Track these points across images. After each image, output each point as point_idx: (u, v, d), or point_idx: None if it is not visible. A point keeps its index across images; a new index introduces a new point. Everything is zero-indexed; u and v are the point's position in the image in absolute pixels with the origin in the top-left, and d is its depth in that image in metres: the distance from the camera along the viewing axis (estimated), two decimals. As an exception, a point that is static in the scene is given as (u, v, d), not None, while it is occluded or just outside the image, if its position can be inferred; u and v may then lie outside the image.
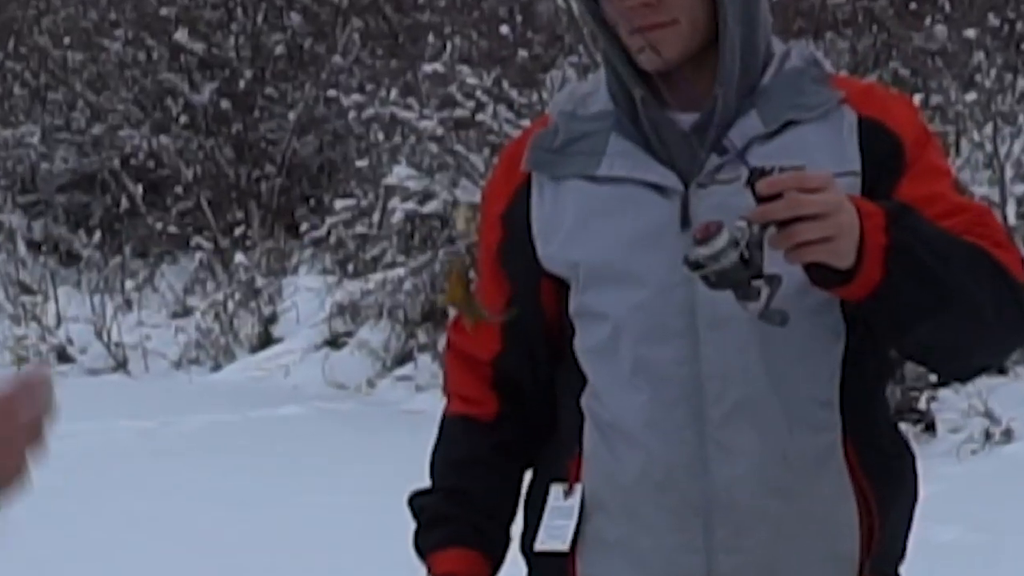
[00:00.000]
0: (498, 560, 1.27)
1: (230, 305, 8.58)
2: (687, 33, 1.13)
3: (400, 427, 6.77)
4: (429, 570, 1.24)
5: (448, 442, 1.30)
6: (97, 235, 9.53)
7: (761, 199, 0.96)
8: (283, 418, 7.37)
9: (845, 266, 0.99)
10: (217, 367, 8.37)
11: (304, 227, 8.93)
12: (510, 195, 1.27)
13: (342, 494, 5.93)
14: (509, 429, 1.27)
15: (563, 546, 1.24)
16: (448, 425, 1.31)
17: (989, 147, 6.20)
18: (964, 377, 2.22)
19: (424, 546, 1.28)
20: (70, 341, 8.68)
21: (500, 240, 1.28)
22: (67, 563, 5.37)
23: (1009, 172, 6.09)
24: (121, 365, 8.51)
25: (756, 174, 0.97)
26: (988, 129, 6.21)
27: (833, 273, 1.00)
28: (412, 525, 1.40)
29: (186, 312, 8.87)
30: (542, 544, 1.25)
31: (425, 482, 1.60)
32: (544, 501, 1.27)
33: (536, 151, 1.26)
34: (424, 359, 7.67)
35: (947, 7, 7.11)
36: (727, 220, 1.00)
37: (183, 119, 9.57)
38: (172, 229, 9.38)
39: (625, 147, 1.21)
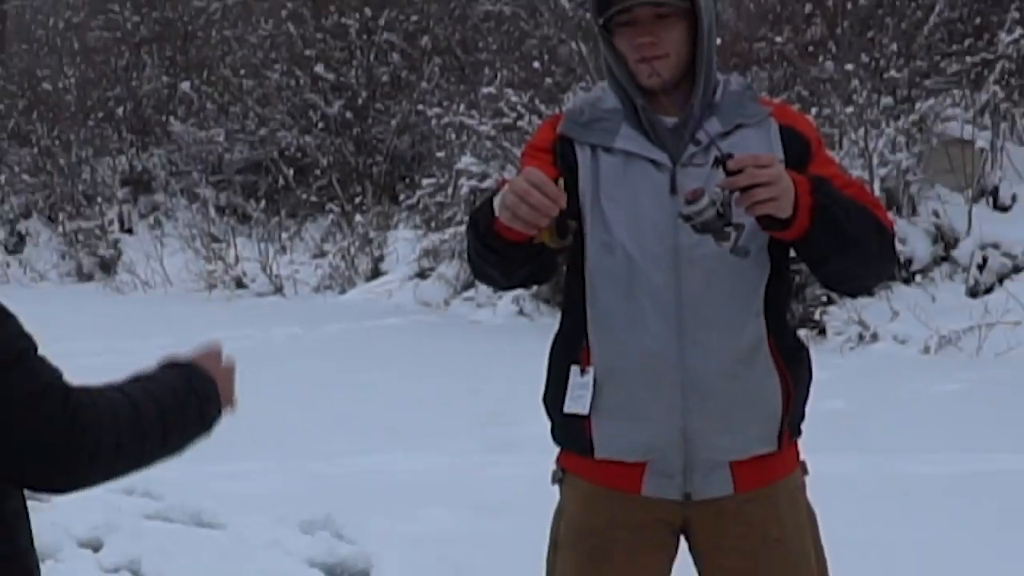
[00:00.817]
0: None
1: (352, 250, 9.62)
2: (675, 64, 1.27)
3: (467, 333, 8.02)
4: (493, 223, 1.20)
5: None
6: (263, 203, 10.70)
7: (729, 173, 1.10)
8: (387, 326, 8.33)
9: (785, 216, 1.13)
10: (343, 291, 9.42)
11: (401, 198, 10.11)
12: (551, 141, 1.38)
13: (427, 378, 6.77)
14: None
15: (584, 411, 1.33)
16: None
17: (862, 144, 6.88)
18: (856, 294, 2.30)
19: (481, 213, 1.28)
20: (244, 273, 9.73)
21: (549, 153, 1.37)
22: (236, 434, 7.42)
23: (875, 161, 6.84)
24: (279, 290, 9.59)
25: (724, 156, 1.11)
26: (861, 132, 6.91)
27: (776, 222, 1.14)
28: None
29: (322, 254, 9.98)
30: (568, 408, 1.35)
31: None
32: (567, 378, 1.36)
33: (568, 122, 1.38)
34: (483, 286, 8.06)
35: (834, 49, 7.70)
36: (706, 187, 1.13)
37: (320, 125, 10.89)
38: (313, 199, 10.49)
39: (632, 133, 1.32)
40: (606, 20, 1.33)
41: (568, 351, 1.39)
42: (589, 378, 1.38)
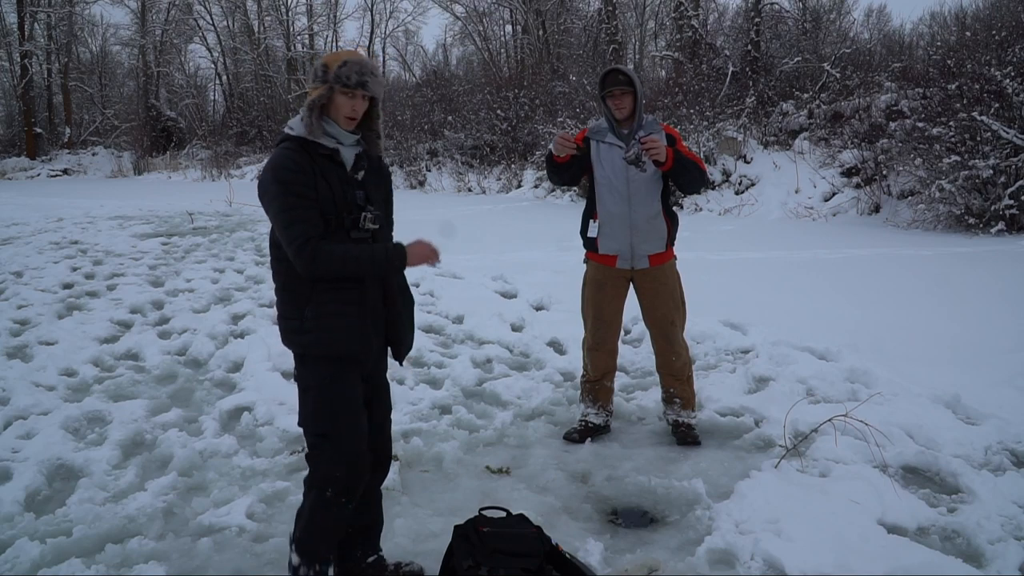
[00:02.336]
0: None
1: (510, 177, 18.64)
2: (630, 109, 3.60)
3: (552, 207, 15.13)
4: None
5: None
6: (477, 161, 20.19)
7: (644, 144, 3.40)
8: (522, 205, 15.80)
9: (663, 161, 3.46)
10: (508, 192, 18.08)
11: (528, 159, 18.51)
12: (584, 137, 3.69)
13: (535, 221, 13.58)
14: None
15: (595, 235, 3.73)
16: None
17: (698, 140, 14.69)
18: (693, 194, 4.50)
19: (549, 153, 3.52)
20: (474, 186, 19.02)
21: (583, 144, 3.64)
22: (470, 243, 10.94)
23: (702, 147, 14.51)
24: (483, 192, 18.55)
25: (643, 138, 3.42)
26: (696, 136, 14.77)
27: (660, 164, 3.48)
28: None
29: (498, 179, 18.99)
30: (589, 234, 3.79)
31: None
32: (587, 223, 3.79)
33: (590, 131, 3.73)
34: (558, 190, 16.17)
35: (685, 107, 15.52)
36: (633, 150, 3.47)
37: (499, 132, 19.73)
38: (499, 165, 19.45)
39: (611, 136, 3.65)
40: (603, 94, 3.50)
41: (588, 212, 3.63)
42: (596, 223, 3.66)
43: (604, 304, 3.89)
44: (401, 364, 2.82)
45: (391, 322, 2.65)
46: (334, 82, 2.43)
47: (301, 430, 2.52)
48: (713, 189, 14.82)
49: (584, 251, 3.91)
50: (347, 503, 2.56)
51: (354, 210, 2.47)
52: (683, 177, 3.62)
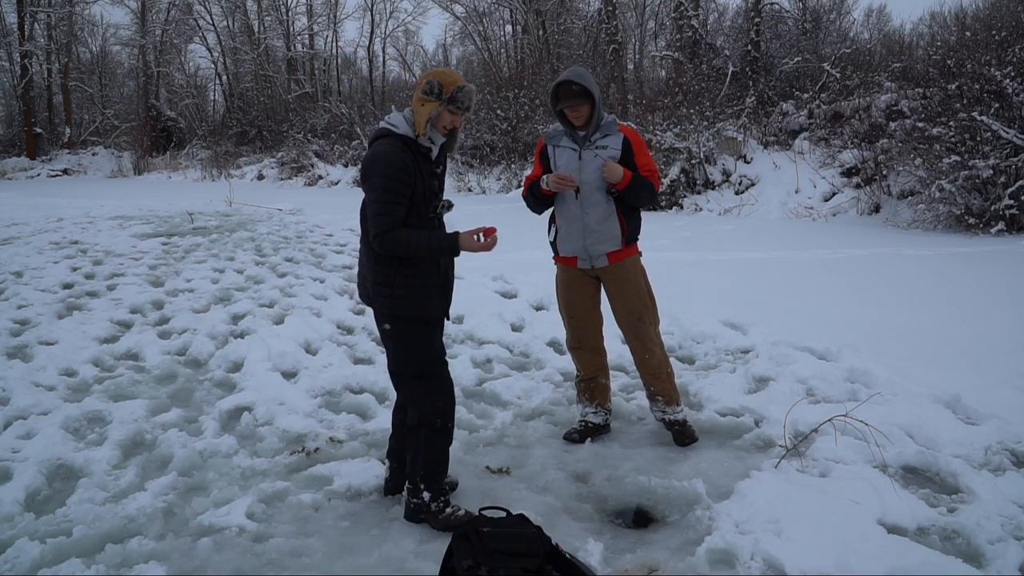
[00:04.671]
0: None
1: (508, 176, 18.34)
2: (587, 116, 3.66)
3: None
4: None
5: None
6: (477, 160, 20.23)
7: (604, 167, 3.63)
8: (521, 204, 16.92)
9: (617, 183, 3.63)
10: (507, 192, 17.73)
11: (528, 160, 18.34)
12: (542, 148, 3.85)
13: (529, 223, 15.93)
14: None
15: (552, 239, 3.88)
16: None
17: (697, 140, 14.80)
18: (642, 209, 3.82)
19: (536, 188, 3.80)
20: (474, 186, 18.97)
21: (539, 156, 3.85)
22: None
23: (702, 146, 14.42)
24: (483, 192, 18.42)
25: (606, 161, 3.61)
26: (695, 136, 14.99)
27: (614, 185, 3.63)
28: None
29: (498, 179, 18.92)
30: (550, 238, 3.92)
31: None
32: (549, 228, 3.89)
33: (547, 138, 3.85)
34: None
35: (684, 107, 15.53)
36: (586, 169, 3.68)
37: (498, 132, 19.89)
38: (499, 165, 19.55)
39: (567, 140, 3.75)
40: (559, 110, 3.66)
41: (550, 218, 3.83)
42: (555, 227, 3.84)
43: (574, 303, 3.94)
44: (450, 320, 3.36)
45: (449, 286, 3.20)
46: (448, 102, 2.97)
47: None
48: (713, 189, 14.84)
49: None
50: (451, 427, 3.16)
51: (432, 198, 3.03)
52: (629, 197, 3.71)
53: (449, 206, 3.13)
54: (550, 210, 3.85)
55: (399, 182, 2.90)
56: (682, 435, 3.95)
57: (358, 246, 10.57)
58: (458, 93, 2.98)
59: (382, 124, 3.07)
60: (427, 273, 3.05)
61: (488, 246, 2.99)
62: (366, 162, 2.99)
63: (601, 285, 3.93)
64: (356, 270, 8.49)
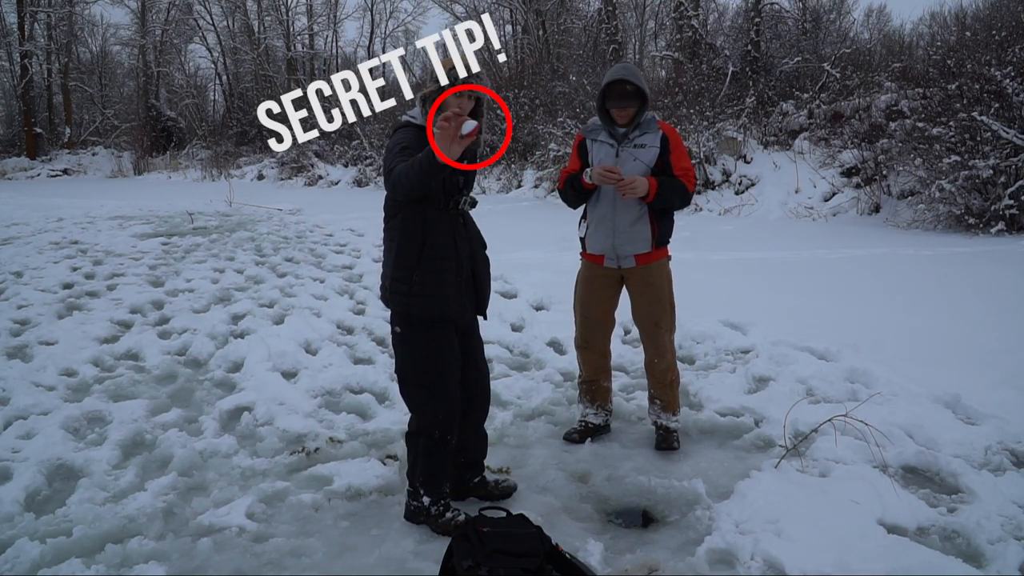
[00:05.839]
0: None
1: (511, 177, 18.36)
2: (632, 116, 3.60)
3: (550, 207, 15.03)
4: None
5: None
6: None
7: (619, 188, 3.50)
8: (522, 205, 15.87)
9: (645, 194, 3.54)
10: (508, 192, 17.79)
11: (529, 159, 18.38)
12: (580, 142, 3.75)
13: (534, 220, 13.96)
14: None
15: (583, 235, 3.86)
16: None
17: (698, 140, 14.64)
18: (674, 211, 3.74)
19: (575, 182, 3.70)
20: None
21: (577, 150, 3.74)
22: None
23: (702, 146, 14.46)
24: (482, 193, 19.18)
25: (619, 184, 3.49)
26: (695, 136, 14.61)
27: (644, 197, 3.56)
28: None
29: (498, 179, 18.81)
30: (580, 234, 3.86)
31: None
32: (580, 223, 3.85)
33: (586, 131, 3.74)
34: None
35: (685, 107, 15.44)
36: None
37: (498, 131, 18.88)
38: (499, 165, 19.42)
39: (605, 137, 3.67)
40: (608, 106, 3.59)
41: (582, 214, 3.79)
42: (586, 223, 3.81)
43: (592, 302, 3.90)
44: (485, 318, 3.29)
45: (477, 283, 3.17)
46: (449, 87, 2.94)
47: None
48: (713, 189, 14.85)
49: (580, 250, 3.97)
50: (451, 439, 3.12)
51: (455, 192, 2.99)
52: (662, 205, 3.64)
53: (473, 203, 3.10)
54: (582, 207, 3.78)
55: (408, 148, 2.86)
56: (664, 440, 3.92)
57: (358, 246, 10.48)
58: (451, 73, 2.95)
59: (403, 117, 3.07)
60: (445, 270, 3.00)
61: (456, 131, 2.65)
62: (386, 148, 3.00)
63: (622, 288, 3.89)
64: (355, 270, 9.01)
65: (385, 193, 3.03)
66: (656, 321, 3.80)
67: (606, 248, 3.72)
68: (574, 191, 3.72)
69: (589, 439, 3.98)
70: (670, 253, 3.81)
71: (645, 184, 3.50)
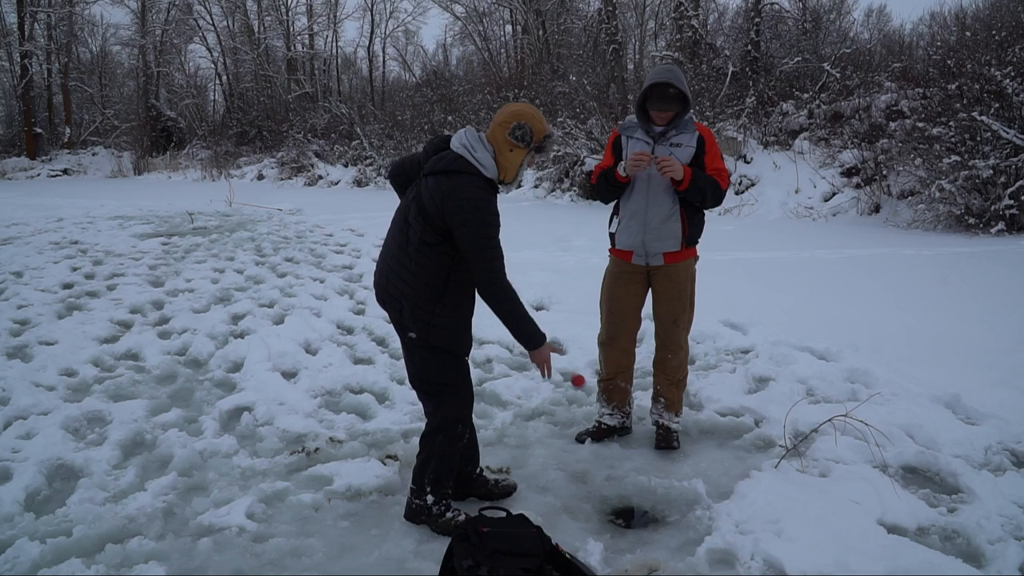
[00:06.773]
0: None
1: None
2: (671, 119, 3.56)
3: (551, 208, 15.14)
4: None
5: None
6: None
7: (658, 163, 3.47)
8: (522, 205, 15.71)
9: (680, 180, 3.50)
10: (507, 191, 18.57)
11: None
12: (616, 138, 3.70)
13: (539, 222, 13.69)
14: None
15: (614, 231, 3.81)
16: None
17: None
18: (710, 209, 3.70)
19: (609, 175, 3.65)
20: None
21: (612, 146, 3.71)
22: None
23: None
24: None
25: (658, 159, 3.44)
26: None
27: (679, 182, 3.51)
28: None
29: None
30: (611, 230, 3.86)
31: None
32: (611, 219, 3.83)
33: (622, 128, 3.71)
34: (558, 191, 16.28)
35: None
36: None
37: None
38: None
39: (640, 133, 3.65)
40: (651, 108, 3.54)
41: (614, 210, 3.78)
42: (617, 219, 3.78)
43: (619, 298, 3.87)
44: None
45: None
46: (535, 151, 2.97)
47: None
48: (713, 189, 14.84)
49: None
50: (466, 434, 3.18)
51: None
52: (695, 197, 3.59)
53: None
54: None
55: (498, 225, 2.82)
56: (664, 440, 3.92)
57: (358, 246, 10.42)
58: (546, 142, 2.95)
59: (464, 153, 2.85)
60: (467, 307, 3.04)
61: (546, 372, 3.02)
62: (459, 196, 2.76)
63: (649, 287, 3.86)
64: (355, 270, 8.95)
65: (394, 194, 2.96)
66: (675, 319, 3.80)
67: (636, 244, 3.70)
68: (608, 184, 3.71)
69: (589, 439, 3.97)
70: (698, 253, 3.80)
71: (681, 166, 3.47)
